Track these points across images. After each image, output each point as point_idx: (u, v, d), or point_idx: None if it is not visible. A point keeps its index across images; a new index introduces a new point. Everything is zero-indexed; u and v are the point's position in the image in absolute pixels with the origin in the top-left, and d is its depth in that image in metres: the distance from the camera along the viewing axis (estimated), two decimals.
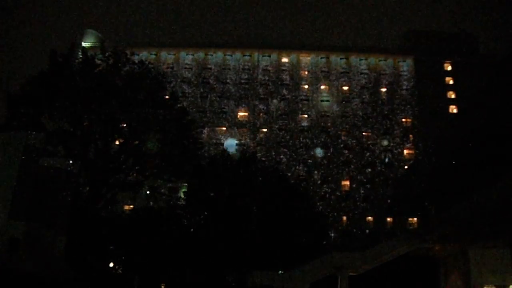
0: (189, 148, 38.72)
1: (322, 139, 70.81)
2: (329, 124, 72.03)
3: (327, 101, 73.85)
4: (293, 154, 69.84)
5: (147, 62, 39.44)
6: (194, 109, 69.72)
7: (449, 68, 75.37)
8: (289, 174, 62.16)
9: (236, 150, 64.17)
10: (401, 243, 39.95)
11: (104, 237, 32.97)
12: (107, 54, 37.25)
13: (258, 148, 69.17)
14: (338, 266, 38.24)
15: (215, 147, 66.20)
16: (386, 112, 73.05)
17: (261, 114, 73.24)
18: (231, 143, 68.52)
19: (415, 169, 65.91)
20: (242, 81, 75.33)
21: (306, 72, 76.23)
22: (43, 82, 34.30)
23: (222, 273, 37.55)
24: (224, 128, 72.06)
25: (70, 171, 25.37)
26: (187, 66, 76.81)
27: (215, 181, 40.72)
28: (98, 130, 35.67)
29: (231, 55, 77.36)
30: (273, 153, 70.12)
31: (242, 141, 70.04)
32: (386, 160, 68.74)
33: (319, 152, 69.70)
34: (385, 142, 70.83)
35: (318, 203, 62.58)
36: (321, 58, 77.05)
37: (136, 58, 38.91)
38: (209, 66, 76.89)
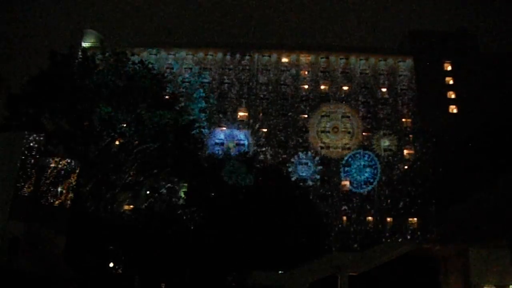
0: (189, 148, 38.70)
1: (322, 139, 70.74)
2: (329, 124, 71.92)
3: (328, 101, 73.77)
4: (293, 154, 69.70)
5: (147, 62, 39.42)
6: (194, 109, 69.54)
7: (449, 68, 75.18)
8: (289, 174, 62.05)
9: (236, 150, 64.06)
10: (401, 243, 40.00)
11: (104, 237, 32.92)
12: (107, 54, 37.24)
13: (258, 148, 69.13)
14: (338, 266, 38.25)
15: (215, 147, 66.14)
16: (386, 112, 72.96)
17: (261, 114, 73.15)
18: (231, 143, 68.45)
19: (415, 169, 66.04)
20: (242, 81, 75.26)
21: (306, 72, 76.17)
22: (43, 82, 34.28)
23: (222, 273, 37.54)
24: (224, 128, 71.97)
25: (70, 171, 25.39)
26: (187, 66, 76.75)
27: (215, 181, 40.71)
28: (98, 130, 35.64)
29: (231, 55, 77.32)
30: (273, 153, 70.05)
31: (242, 141, 69.95)
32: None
33: (319, 152, 69.62)
34: (385, 142, 70.75)
35: (318, 203, 62.48)
36: (321, 58, 77.00)
37: (136, 58, 38.90)
38: (209, 66, 76.82)
